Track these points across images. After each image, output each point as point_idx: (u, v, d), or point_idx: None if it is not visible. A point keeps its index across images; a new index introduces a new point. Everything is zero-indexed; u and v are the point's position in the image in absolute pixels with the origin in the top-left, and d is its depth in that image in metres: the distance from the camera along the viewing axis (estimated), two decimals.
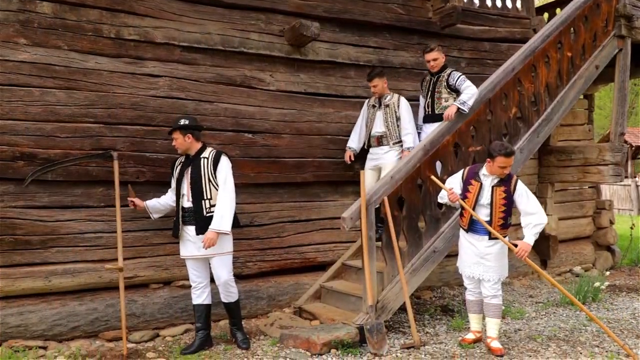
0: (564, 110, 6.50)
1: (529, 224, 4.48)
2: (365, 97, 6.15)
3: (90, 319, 4.79)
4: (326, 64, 5.97)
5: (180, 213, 4.54)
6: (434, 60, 5.68)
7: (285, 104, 5.73)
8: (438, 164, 5.43)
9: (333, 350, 4.52)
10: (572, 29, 6.52)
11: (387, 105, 5.66)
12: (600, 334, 5.08)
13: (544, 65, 6.24)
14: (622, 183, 17.86)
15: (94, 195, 4.87)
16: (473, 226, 4.60)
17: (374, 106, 5.76)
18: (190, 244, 4.52)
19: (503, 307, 5.05)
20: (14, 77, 4.51)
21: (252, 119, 5.53)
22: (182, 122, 4.55)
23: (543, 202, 7.54)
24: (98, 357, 4.36)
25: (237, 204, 4.85)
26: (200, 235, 4.43)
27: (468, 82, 5.51)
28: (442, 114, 5.51)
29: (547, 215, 7.45)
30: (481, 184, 4.58)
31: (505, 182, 4.54)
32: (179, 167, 4.62)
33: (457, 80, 5.56)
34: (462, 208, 4.67)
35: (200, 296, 4.61)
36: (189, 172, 4.51)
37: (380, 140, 5.68)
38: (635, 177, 21.38)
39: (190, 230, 4.50)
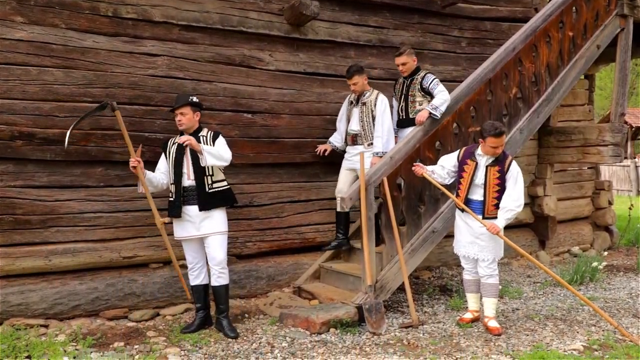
0: (565, 91, 6.48)
1: (505, 207, 4.46)
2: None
3: (91, 298, 4.82)
4: (326, 43, 5.92)
5: (181, 193, 4.48)
6: (403, 64, 5.47)
7: (285, 83, 5.69)
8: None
9: (332, 330, 4.57)
10: (574, 7, 6.45)
11: (364, 103, 5.37)
12: (596, 313, 5.12)
13: (545, 44, 6.20)
14: (621, 164, 17.89)
15: (93, 175, 4.86)
16: (468, 206, 4.61)
17: (352, 102, 5.53)
18: (189, 224, 4.48)
19: (500, 287, 5.09)
20: (11, 56, 4.47)
21: (251, 99, 5.50)
22: (195, 99, 4.48)
23: (542, 183, 7.56)
24: (99, 336, 4.39)
25: (236, 184, 4.87)
26: (201, 214, 4.42)
27: (441, 87, 5.34)
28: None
29: (546, 195, 7.53)
30: (476, 163, 4.58)
31: (500, 161, 4.54)
32: (174, 147, 4.52)
33: (430, 84, 5.36)
34: (458, 188, 4.68)
35: (198, 277, 4.62)
36: (189, 150, 4.45)
37: (355, 139, 5.44)
38: (634, 158, 21.40)
39: (189, 210, 4.45)
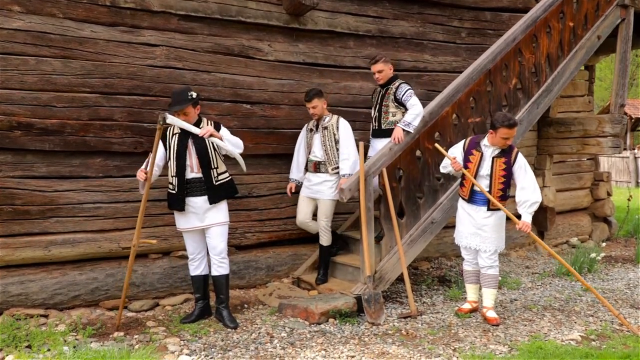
0: (565, 82, 6.46)
1: (526, 201, 4.46)
2: (365, 68, 6.09)
3: (91, 288, 4.83)
4: (325, 33, 5.89)
5: (184, 185, 4.41)
6: (379, 72, 5.29)
7: (284, 74, 5.68)
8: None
9: (331, 320, 4.59)
10: None
11: (326, 128, 5.25)
12: (594, 303, 5.15)
13: (545, 35, 6.18)
14: (620, 155, 17.87)
15: (92, 166, 4.85)
16: (473, 196, 4.61)
17: (311, 130, 5.36)
18: (193, 215, 4.46)
19: (499, 278, 5.10)
20: (9, 46, 4.45)
21: (250, 90, 5.49)
22: (193, 94, 4.40)
23: (541, 174, 7.57)
24: (99, 326, 4.41)
25: (235, 175, 4.86)
26: (207, 205, 4.41)
27: (414, 100, 5.13)
28: (389, 129, 5.21)
29: (545, 187, 7.54)
30: (482, 154, 4.57)
31: (506, 153, 4.53)
32: (175, 139, 4.44)
33: (403, 95, 5.17)
34: (463, 178, 4.68)
35: (198, 267, 4.63)
36: (192, 142, 4.40)
37: (317, 167, 5.27)
38: (634, 149, 21.40)
39: (194, 201, 4.42)
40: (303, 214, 5.40)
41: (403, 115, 5.21)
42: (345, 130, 5.26)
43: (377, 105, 5.44)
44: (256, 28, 5.51)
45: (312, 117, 5.36)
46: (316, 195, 5.30)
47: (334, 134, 5.24)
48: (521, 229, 4.46)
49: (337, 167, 5.23)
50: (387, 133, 5.22)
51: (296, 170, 5.50)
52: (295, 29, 5.69)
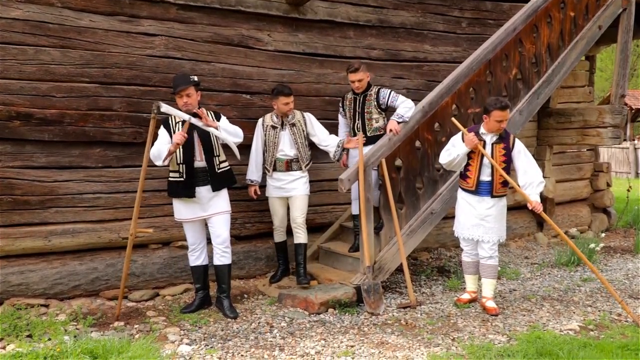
0: (565, 72, 6.44)
1: (532, 182, 4.50)
2: (365, 58, 6.07)
3: (91, 278, 4.85)
4: (325, 23, 5.86)
5: (193, 173, 4.40)
6: (359, 81, 5.09)
7: (283, 64, 5.66)
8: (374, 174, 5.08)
9: (330, 310, 4.60)
10: None
11: (294, 125, 5.09)
12: (593, 294, 5.17)
13: (546, 25, 6.14)
14: (620, 146, 17.86)
15: (92, 156, 4.85)
16: (478, 187, 4.60)
17: (274, 127, 5.11)
18: (197, 205, 4.45)
19: (499, 268, 5.12)
20: (7, 35, 4.44)
21: (249, 80, 5.47)
22: (195, 78, 4.42)
23: (541, 165, 7.55)
24: (99, 315, 4.43)
25: (235, 165, 4.86)
26: (209, 195, 4.43)
27: (402, 97, 5.10)
28: (375, 136, 5.13)
29: (545, 177, 7.51)
30: (484, 142, 4.57)
31: (504, 139, 4.55)
32: (179, 127, 4.39)
33: (389, 99, 5.11)
34: (467, 169, 4.64)
35: (199, 258, 4.64)
36: (196, 130, 4.38)
37: (289, 165, 5.09)
38: (633, 140, 21.37)
39: (198, 191, 4.41)
40: (282, 215, 5.27)
41: (384, 121, 5.20)
42: (317, 121, 5.23)
43: (357, 114, 5.26)
44: (256, 18, 5.48)
45: (284, 113, 5.06)
46: (290, 193, 5.13)
47: (303, 130, 5.16)
48: (534, 207, 4.49)
49: (309, 164, 5.20)
50: (374, 140, 5.12)
51: (256, 171, 5.19)
52: (295, 18, 5.66)
